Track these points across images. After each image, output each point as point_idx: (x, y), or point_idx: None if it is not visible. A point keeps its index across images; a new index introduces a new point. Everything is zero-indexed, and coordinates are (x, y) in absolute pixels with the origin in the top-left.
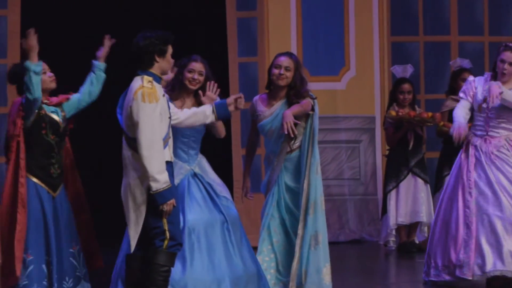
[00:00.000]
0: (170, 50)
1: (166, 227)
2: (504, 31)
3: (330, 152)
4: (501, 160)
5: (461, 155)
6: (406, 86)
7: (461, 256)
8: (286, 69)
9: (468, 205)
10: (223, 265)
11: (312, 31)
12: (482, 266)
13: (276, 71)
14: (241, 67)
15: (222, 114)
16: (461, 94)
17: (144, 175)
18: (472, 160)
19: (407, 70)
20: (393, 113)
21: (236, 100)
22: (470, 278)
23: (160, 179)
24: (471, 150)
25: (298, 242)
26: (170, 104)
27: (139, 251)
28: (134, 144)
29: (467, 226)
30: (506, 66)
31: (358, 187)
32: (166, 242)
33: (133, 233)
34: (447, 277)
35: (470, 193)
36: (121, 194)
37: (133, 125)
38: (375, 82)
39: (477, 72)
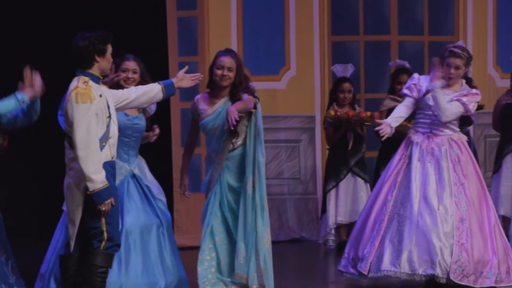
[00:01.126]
0: (109, 49)
1: (104, 228)
2: (443, 31)
3: (270, 151)
4: (435, 160)
5: (398, 153)
6: (346, 85)
7: (365, 250)
8: (229, 69)
9: (385, 203)
10: (157, 269)
11: (253, 30)
12: (378, 264)
13: (219, 72)
14: (181, 67)
15: (170, 92)
16: (405, 91)
17: (82, 175)
18: (405, 160)
19: (348, 70)
20: (332, 112)
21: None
22: (366, 273)
23: (96, 179)
24: (410, 148)
25: (255, 240)
26: (115, 91)
27: (76, 251)
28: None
29: (379, 223)
30: (452, 70)
31: (298, 186)
32: (103, 243)
33: (71, 233)
34: (351, 270)
35: (392, 192)
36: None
37: (69, 125)
38: (315, 82)
39: (417, 72)
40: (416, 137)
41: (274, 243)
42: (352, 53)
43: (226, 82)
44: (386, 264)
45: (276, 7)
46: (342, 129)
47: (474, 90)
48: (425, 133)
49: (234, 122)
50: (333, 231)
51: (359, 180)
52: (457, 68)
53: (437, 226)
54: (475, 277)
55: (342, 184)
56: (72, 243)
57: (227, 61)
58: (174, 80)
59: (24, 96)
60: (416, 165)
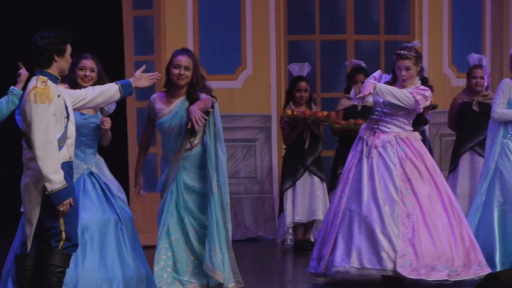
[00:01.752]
0: (69, 49)
1: (62, 228)
2: (399, 30)
3: (226, 150)
4: (381, 157)
5: (352, 149)
6: (303, 84)
7: (323, 250)
8: (186, 68)
9: (340, 200)
10: (115, 265)
11: (209, 30)
12: (332, 261)
13: (176, 71)
14: (137, 66)
15: (127, 92)
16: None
17: (40, 175)
18: (357, 156)
19: (304, 69)
20: (289, 112)
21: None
22: (324, 272)
23: (54, 180)
24: (360, 144)
25: (225, 238)
26: (73, 91)
27: (32, 251)
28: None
29: (334, 220)
30: (403, 72)
31: (254, 185)
32: (62, 243)
33: (29, 233)
34: (318, 269)
35: (345, 189)
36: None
37: (27, 125)
38: (271, 81)
39: (373, 71)
40: (365, 133)
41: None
42: (308, 52)
43: (183, 81)
44: (338, 260)
45: (232, 6)
46: (299, 129)
47: (421, 86)
48: (373, 129)
49: (201, 122)
50: (290, 230)
51: (316, 179)
52: (407, 69)
53: (383, 222)
54: (426, 270)
55: (299, 183)
56: (29, 243)
57: (184, 60)
58: (131, 79)
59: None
60: (364, 161)
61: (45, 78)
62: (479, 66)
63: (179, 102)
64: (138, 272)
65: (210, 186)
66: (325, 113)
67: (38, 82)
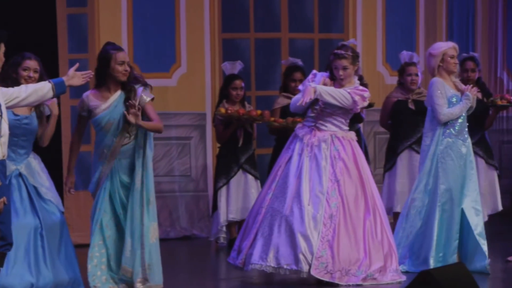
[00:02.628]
0: (3, 48)
1: None
2: (333, 28)
3: (161, 148)
4: (314, 156)
5: (285, 147)
6: (238, 82)
7: (243, 243)
8: (128, 64)
9: (265, 197)
10: (30, 270)
11: (143, 28)
12: (250, 257)
13: (120, 68)
14: (71, 64)
15: (60, 90)
16: (300, 87)
17: None
18: (288, 154)
19: (236, 67)
20: (223, 110)
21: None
22: (241, 266)
23: None
24: (294, 142)
25: (141, 233)
26: (6, 89)
27: None
28: None
29: (256, 216)
30: (341, 72)
31: (189, 183)
32: None
33: None
34: (236, 261)
35: (271, 186)
36: None
37: None
38: (206, 79)
39: (308, 69)
40: (301, 131)
41: (165, 240)
42: (243, 50)
43: (125, 77)
44: (255, 257)
45: (167, 4)
46: (232, 127)
47: (360, 87)
48: (310, 127)
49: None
50: (224, 228)
51: (250, 177)
52: (344, 68)
53: (303, 222)
54: (341, 274)
55: (233, 181)
56: None
57: (126, 56)
58: (64, 78)
59: None
60: (295, 159)
61: None
62: (413, 63)
63: (117, 96)
64: (56, 278)
65: (134, 180)
66: (259, 111)
67: None
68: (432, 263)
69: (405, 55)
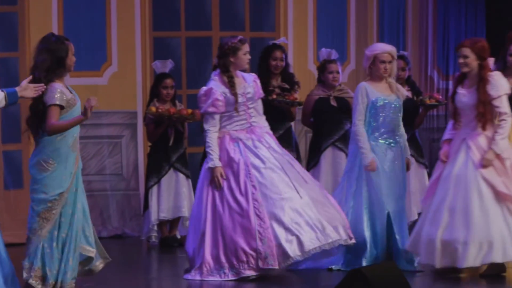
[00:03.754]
0: None
1: None
2: (265, 27)
3: (92, 147)
4: (263, 149)
5: (235, 152)
6: (169, 81)
7: (260, 248)
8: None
9: (255, 198)
10: None
11: (74, 26)
12: (285, 253)
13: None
14: (1, 62)
15: (12, 101)
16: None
17: None
18: (245, 154)
19: (167, 65)
20: (154, 109)
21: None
22: (277, 267)
23: None
24: (242, 144)
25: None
26: None
27: None
28: None
29: (259, 217)
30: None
31: (120, 182)
32: None
33: None
34: (249, 272)
35: (254, 186)
36: None
37: None
38: (137, 78)
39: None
40: (241, 135)
41: None
42: (174, 49)
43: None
44: (292, 251)
45: (97, 2)
46: (163, 126)
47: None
48: (246, 129)
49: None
50: (155, 227)
51: (181, 175)
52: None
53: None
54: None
55: (164, 180)
56: None
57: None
58: (17, 89)
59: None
60: (259, 154)
61: None
62: (333, 60)
63: None
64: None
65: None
66: (190, 110)
67: None
68: (364, 264)
69: (324, 52)
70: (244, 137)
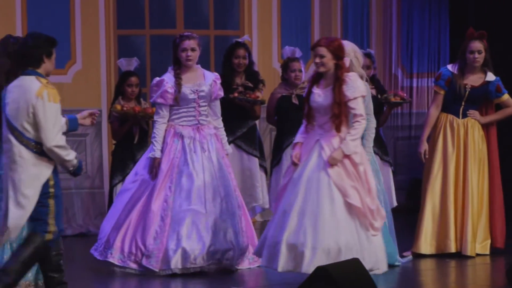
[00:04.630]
0: (54, 53)
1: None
2: (229, 25)
3: None
4: (204, 150)
5: (171, 149)
6: (133, 79)
7: (150, 246)
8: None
9: (166, 200)
10: None
11: (38, 24)
12: (168, 261)
13: None
14: None
15: (72, 127)
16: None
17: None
18: (178, 155)
19: (132, 63)
20: (118, 107)
21: (91, 114)
22: (157, 270)
23: (72, 159)
24: (181, 142)
25: None
26: None
27: None
28: (30, 143)
29: (162, 219)
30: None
31: (85, 180)
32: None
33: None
34: (132, 265)
35: (170, 187)
36: None
37: (35, 123)
38: (101, 76)
39: (203, 66)
40: (185, 131)
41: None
42: (138, 47)
43: None
44: (173, 262)
45: (61, 0)
46: (128, 124)
47: None
48: (194, 125)
49: None
50: None
51: None
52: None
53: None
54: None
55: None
56: None
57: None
58: (78, 116)
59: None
60: (193, 156)
61: (45, 80)
62: (296, 58)
63: None
64: None
65: None
66: (154, 109)
67: (43, 82)
68: None
69: (287, 50)
70: (186, 134)
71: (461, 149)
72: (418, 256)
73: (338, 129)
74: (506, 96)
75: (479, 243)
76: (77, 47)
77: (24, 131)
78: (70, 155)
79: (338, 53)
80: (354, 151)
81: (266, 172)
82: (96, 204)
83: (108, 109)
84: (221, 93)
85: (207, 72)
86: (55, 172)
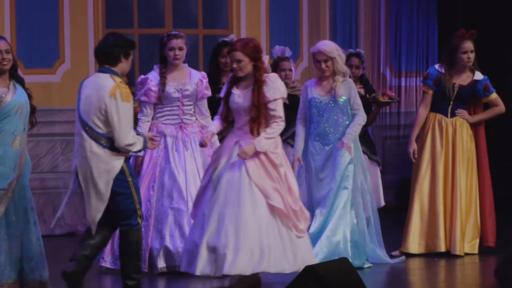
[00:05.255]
0: (132, 55)
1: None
2: (218, 24)
3: (45, 145)
4: (187, 148)
5: (158, 148)
6: (124, 78)
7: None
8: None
9: (149, 199)
10: None
11: (26, 23)
12: (154, 260)
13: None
14: None
15: (144, 147)
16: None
17: (111, 164)
18: (161, 154)
19: None
20: None
21: (151, 139)
22: (146, 270)
23: (139, 146)
24: (164, 141)
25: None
26: None
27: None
28: (101, 138)
29: (146, 219)
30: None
31: None
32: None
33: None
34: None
35: (153, 186)
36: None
37: (108, 121)
38: (90, 75)
39: (192, 65)
40: (168, 129)
41: (50, 237)
42: None
43: (8, 65)
44: (161, 261)
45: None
46: None
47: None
48: (177, 124)
49: None
50: None
51: None
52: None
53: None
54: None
55: None
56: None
57: (4, 44)
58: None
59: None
60: (175, 154)
61: (119, 79)
62: (286, 58)
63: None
64: None
65: None
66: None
67: (117, 81)
68: None
69: (277, 50)
70: (169, 133)
71: (450, 149)
72: (407, 256)
73: (253, 132)
74: (494, 95)
75: (467, 242)
76: (66, 46)
77: (95, 126)
78: (137, 146)
79: (255, 55)
80: (267, 149)
81: None
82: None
83: None
84: (208, 92)
85: (193, 71)
86: (125, 160)
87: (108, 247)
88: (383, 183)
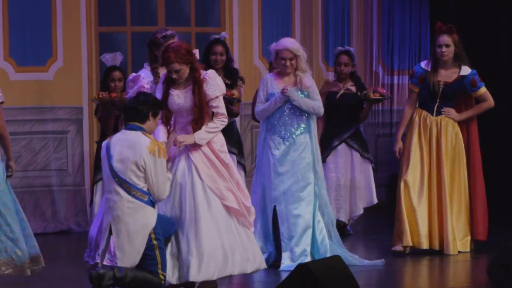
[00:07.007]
0: (160, 115)
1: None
2: (210, 22)
3: (37, 142)
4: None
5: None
6: (116, 74)
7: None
8: None
9: None
10: None
11: (19, 21)
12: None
13: None
14: None
15: None
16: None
17: (147, 218)
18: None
19: (117, 58)
20: (96, 96)
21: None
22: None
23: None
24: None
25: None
26: None
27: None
28: (138, 192)
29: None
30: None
31: (66, 177)
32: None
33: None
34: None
35: None
36: None
37: (149, 177)
38: (82, 73)
39: None
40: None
41: (42, 235)
42: (120, 44)
43: None
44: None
45: None
46: (113, 117)
47: None
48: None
49: None
50: None
51: None
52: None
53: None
54: None
55: None
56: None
57: None
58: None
59: None
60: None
61: (152, 136)
62: None
63: None
64: None
65: None
66: None
67: (151, 138)
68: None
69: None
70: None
71: (434, 148)
72: (399, 253)
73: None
74: (483, 90)
75: (459, 240)
76: (59, 44)
77: (133, 183)
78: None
79: (189, 58)
80: (205, 142)
81: (244, 170)
82: (77, 202)
83: (89, 106)
84: None
85: None
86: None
87: None
88: (375, 181)
